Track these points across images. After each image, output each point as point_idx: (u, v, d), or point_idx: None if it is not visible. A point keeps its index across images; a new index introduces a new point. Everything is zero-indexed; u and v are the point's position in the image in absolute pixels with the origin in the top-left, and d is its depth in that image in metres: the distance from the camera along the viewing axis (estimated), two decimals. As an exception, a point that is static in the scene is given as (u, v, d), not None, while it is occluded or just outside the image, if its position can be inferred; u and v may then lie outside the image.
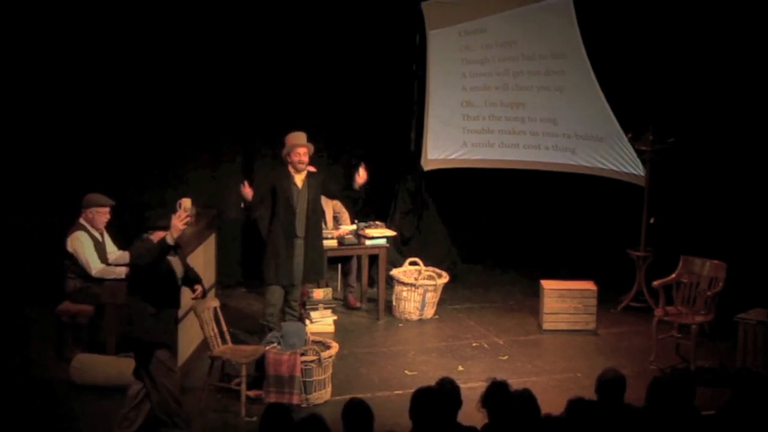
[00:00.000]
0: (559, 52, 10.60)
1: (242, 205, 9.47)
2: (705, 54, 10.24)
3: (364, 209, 11.33)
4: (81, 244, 8.67)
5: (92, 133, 10.46)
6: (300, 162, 9.09)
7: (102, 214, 8.87)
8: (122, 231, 9.55)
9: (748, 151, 10.18)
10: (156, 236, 7.05)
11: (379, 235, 10.12)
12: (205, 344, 8.32)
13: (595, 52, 10.33)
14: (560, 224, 11.56)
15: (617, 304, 10.48)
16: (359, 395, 7.96)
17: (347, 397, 8.07)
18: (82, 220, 8.83)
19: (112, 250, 9.00)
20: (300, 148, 9.08)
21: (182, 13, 10.61)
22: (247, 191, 9.04)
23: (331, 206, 10.38)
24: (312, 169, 9.36)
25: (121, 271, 8.69)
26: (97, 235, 8.83)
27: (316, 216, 9.33)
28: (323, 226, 10.06)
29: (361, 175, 9.42)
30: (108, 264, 8.80)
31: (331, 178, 9.45)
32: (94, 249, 8.74)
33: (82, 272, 8.68)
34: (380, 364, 9.01)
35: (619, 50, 10.45)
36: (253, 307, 10.37)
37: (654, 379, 5.85)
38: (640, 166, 10.25)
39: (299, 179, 9.14)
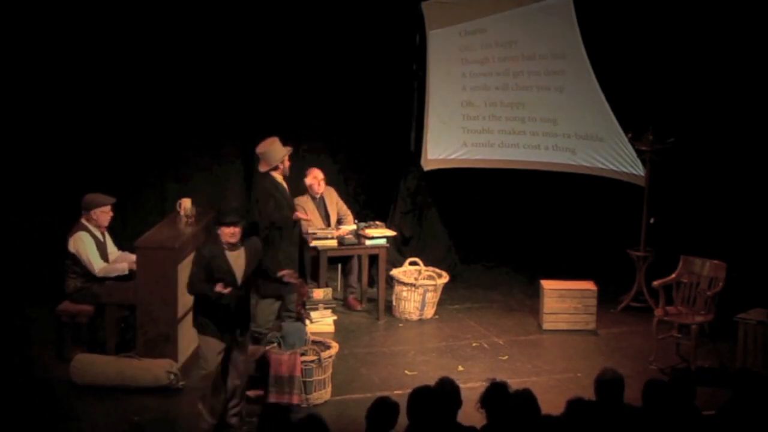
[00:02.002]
0: (559, 52, 10.60)
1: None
2: (705, 54, 10.24)
3: (363, 210, 11.35)
4: (83, 244, 8.67)
5: (92, 133, 10.47)
6: (287, 168, 9.34)
7: (105, 213, 8.88)
8: (122, 231, 9.61)
9: (748, 152, 10.18)
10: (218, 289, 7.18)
11: (379, 235, 10.11)
12: (205, 344, 8.31)
13: (595, 52, 10.33)
14: (560, 224, 11.56)
15: (617, 304, 10.48)
16: (359, 395, 8.03)
17: (347, 397, 8.16)
18: (83, 220, 8.82)
19: (113, 251, 9.01)
20: (287, 156, 9.30)
21: (182, 14, 10.61)
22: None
23: (335, 208, 10.38)
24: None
25: (124, 268, 8.73)
26: (98, 234, 8.83)
27: None
28: (323, 226, 10.12)
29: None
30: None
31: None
32: (96, 248, 8.74)
33: (83, 272, 8.68)
34: (380, 364, 9.00)
35: (619, 50, 10.44)
36: (252, 308, 10.36)
37: (648, 382, 5.85)
38: (640, 166, 10.25)
39: (282, 180, 9.32)
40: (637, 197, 10.32)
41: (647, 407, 5.73)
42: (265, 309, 9.23)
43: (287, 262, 9.15)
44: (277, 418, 5.30)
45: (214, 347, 7.33)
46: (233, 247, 7.29)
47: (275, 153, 9.20)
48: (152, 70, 10.60)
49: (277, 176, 9.26)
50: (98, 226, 8.84)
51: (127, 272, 8.69)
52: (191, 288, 7.34)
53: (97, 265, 8.68)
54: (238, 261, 7.32)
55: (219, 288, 7.17)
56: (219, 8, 10.79)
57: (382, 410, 5.45)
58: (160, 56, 10.60)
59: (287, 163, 9.31)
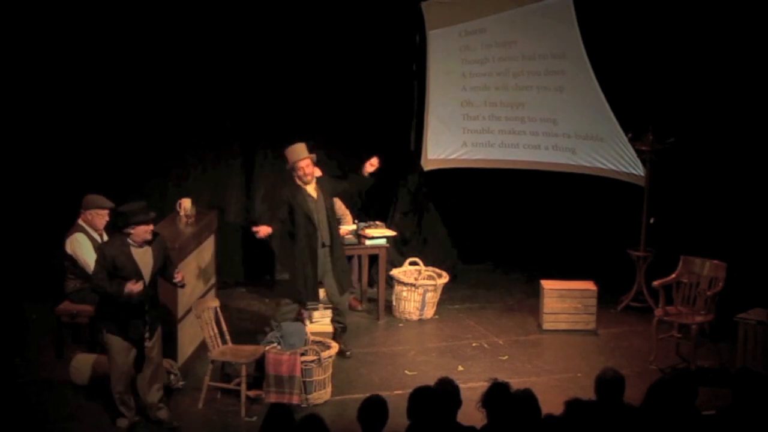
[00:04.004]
0: (559, 52, 10.59)
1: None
2: (705, 54, 10.24)
3: (363, 208, 11.33)
4: (80, 246, 8.65)
5: (92, 133, 10.47)
6: (306, 175, 8.89)
7: (101, 216, 8.83)
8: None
9: (748, 151, 10.18)
10: (129, 287, 7.10)
11: (379, 235, 10.12)
12: (205, 344, 8.32)
13: (595, 52, 10.33)
14: (560, 224, 11.55)
15: (617, 304, 10.48)
16: (359, 395, 8.02)
17: (347, 397, 8.16)
18: (80, 222, 8.79)
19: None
20: (303, 162, 8.86)
21: (183, 14, 10.61)
22: (262, 231, 8.84)
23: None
24: (318, 173, 9.21)
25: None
26: (95, 236, 8.80)
27: (335, 222, 9.23)
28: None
29: (373, 163, 9.16)
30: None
31: (331, 177, 9.46)
32: (93, 250, 8.72)
33: (81, 273, 8.65)
34: (380, 364, 9.01)
35: (619, 50, 10.45)
36: (253, 307, 10.38)
37: (657, 381, 5.85)
38: (640, 166, 10.25)
39: (311, 189, 8.96)
40: (637, 197, 10.33)
41: (648, 407, 5.73)
42: (284, 308, 9.03)
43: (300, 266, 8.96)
44: (281, 418, 5.31)
45: (121, 348, 7.34)
46: (140, 244, 7.23)
47: (289, 157, 8.92)
48: (152, 70, 10.59)
49: (299, 182, 8.93)
50: (94, 228, 8.82)
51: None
52: (98, 288, 7.29)
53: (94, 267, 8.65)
54: (144, 258, 7.27)
55: (130, 286, 7.08)
56: (219, 9, 10.78)
57: (372, 409, 5.48)
58: (161, 57, 10.60)
59: (301, 173, 8.86)
